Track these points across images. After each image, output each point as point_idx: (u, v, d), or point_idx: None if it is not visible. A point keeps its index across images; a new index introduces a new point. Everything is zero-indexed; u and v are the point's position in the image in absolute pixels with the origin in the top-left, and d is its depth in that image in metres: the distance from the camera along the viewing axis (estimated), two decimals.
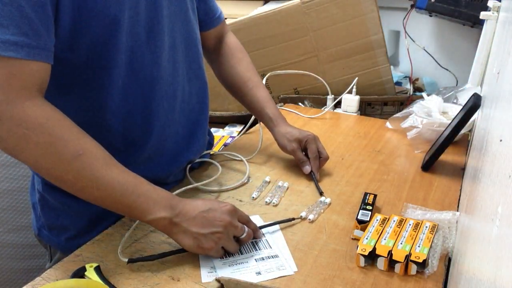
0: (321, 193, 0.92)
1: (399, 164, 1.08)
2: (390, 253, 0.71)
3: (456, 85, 1.62)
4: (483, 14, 1.28)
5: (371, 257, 0.72)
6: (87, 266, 0.68)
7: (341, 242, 0.78)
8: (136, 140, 0.84)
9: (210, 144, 1.09)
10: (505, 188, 0.41)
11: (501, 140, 0.51)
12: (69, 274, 0.68)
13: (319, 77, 1.38)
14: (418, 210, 0.85)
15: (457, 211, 0.86)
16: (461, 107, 1.10)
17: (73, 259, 0.73)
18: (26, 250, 1.39)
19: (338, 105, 1.40)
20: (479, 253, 0.48)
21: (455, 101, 1.28)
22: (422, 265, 0.70)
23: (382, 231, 0.76)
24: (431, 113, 1.18)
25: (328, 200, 0.90)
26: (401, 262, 0.70)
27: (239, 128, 1.49)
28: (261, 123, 1.09)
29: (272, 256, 0.75)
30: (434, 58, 1.74)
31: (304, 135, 0.99)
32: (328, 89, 1.38)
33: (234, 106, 1.52)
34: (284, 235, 0.80)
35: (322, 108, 1.41)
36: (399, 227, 0.78)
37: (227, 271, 0.71)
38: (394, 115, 1.25)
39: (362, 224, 0.79)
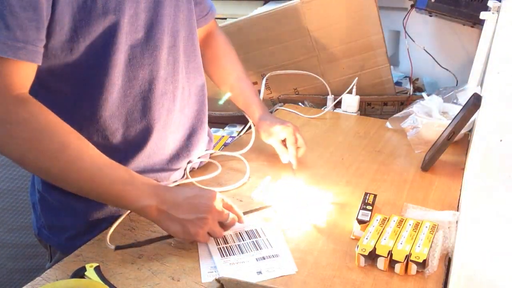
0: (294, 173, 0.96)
1: (399, 164, 1.08)
2: (390, 253, 0.71)
3: (456, 85, 1.62)
4: (483, 14, 1.28)
5: (371, 257, 0.72)
6: (87, 266, 0.68)
7: (341, 242, 0.78)
8: (135, 140, 0.84)
9: (210, 144, 1.09)
10: (505, 188, 0.41)
11: (501, 140, 0.51)
12: (69, 274, 0.68)
13: (319, 77, 1.38)
14: (418, 210, 0.85)
15: (457, 211, 0.86)
16: (461, 107, 1.10)
17: (73, 259, 0.73)
18: (26, 250, 1.39)
19: (338, 105, 1.40)
20: (479, 253, 0.48)
21: (455, 101, 1.28)
22: (422, 265, 0.70)
23: (382, 231, 0.76)
24: (431, 113, 1.18)
25: (328, 200, 0.90)
26: (401, 262, 0.70)
27: (239, 128, 1.48)
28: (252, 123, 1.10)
29: (272, 255, 0.75)
30: (434, 58, 1.74)
31: (283, 126, 1.02)
32: (328, 89, 1.38)
33: (234, 106, 1.51)
34: (284, 235, 0.80)
35: (322, 108, 1.41)
36: (399, 227, 0.78)
37: (228, 271, 0.71)
38: (394, 115, 1.25)
39: (362, 224, 0.79)
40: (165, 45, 0.82)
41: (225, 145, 1.36)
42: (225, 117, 1.53)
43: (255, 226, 0.82)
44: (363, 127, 1.29)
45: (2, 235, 1.34)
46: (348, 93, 1.37)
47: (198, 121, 0.96)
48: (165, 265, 0.72)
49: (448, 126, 1.05)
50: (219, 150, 1.18)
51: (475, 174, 0.74)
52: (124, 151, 0.82)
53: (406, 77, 1.75)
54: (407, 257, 0.70)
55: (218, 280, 0.62)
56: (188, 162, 0.97)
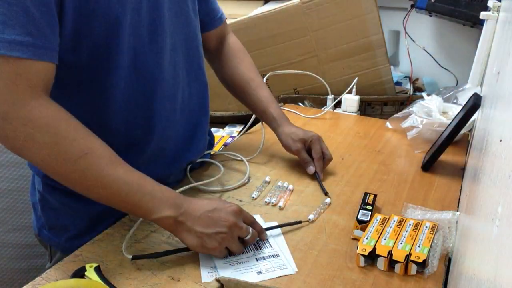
0: (326, 194, 0.92)
1: (399, 164, 1.08)
2: (390, 253, 0.71)
3: (456, 85, 1.62)
4: (483, 14, 1.28)
5: (371, 257, 0.72)
6: (87, 266, 0.68)
7: (341, 242, 0.78)
8: (137, 141, 0.84)
9: (211, 144, 1.09)
10: (505, 188, 0.41)
11: (501, 140, 0.51)
12: (69, 274, 0.68)
13: (319, 77, 1.38)
14: (418, 210, 0.85)
15: (457, 211, 0.86)
16: (461, 107, 1.10)
17: (73, 259, 0.73)
18: (26, 250, 1.39)
19: (338, 105, 1.40)
20: (479, 253, 0.48)
21: (455, 101, 1.28)
22: (422, 265, 0.70)
23: (382, 231, 0.77)
24: (431, 113, 1.18)
25: (328, 200, 0.90)
26: (401, 262, 0.70)
27: (239, 128, 1.49)
28: (263, 123, 1.09)
29: (273, 255, 0.75)
30: (434, 58, 1.74)
31: (308, 135, 0.99)
32: (328, 89, 1.38)
33: (234, 106, 1.52)
34: (284, 235, 0.80)
35: (322, 108, 1.41)
36: (399, 227, 0.78)
37: (228, 271, 0.71)
38: (394, 115, 1.25)
39: (362, 224, 0.79)
40: (168, 47, 0.82)
41: (225, 145, 1.36)
42: (225, 117, 1.54)
43: None
44: (363, 127, 1.29)
45: (2, 235, 1.34)
46: (348, 93, 1.38)
47: (199, 123, 0.96)
48: (165, 265, 0.72)
49: (448, 126, 1.05)
50: (219, 150, 1.18)
51: (475, 174, 0.74)
52: (126, 152, 0.82)
53: (406, 77, 1.75)
54: (407, 257, 0.70)
55: (218, 280, 0.62)
56: (189, 163, 0.97)
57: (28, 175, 1.32)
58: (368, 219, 0.80)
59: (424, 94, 1.35)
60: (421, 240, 0.74)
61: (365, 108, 1.44)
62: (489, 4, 1.29)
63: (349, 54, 1.41)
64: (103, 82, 0.75)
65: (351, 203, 0.90)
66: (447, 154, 1.06)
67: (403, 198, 0.92)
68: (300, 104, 1.47)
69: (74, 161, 0.66)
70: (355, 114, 1.38)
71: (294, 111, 1.38)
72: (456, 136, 1.00)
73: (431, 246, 0.73)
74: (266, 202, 0.90)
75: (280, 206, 0.88)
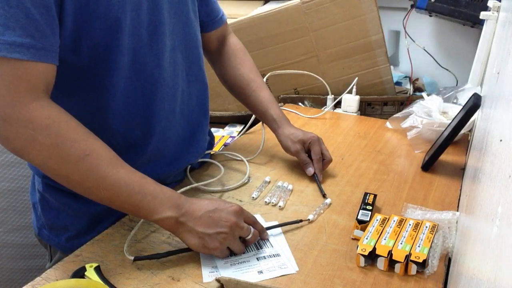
0: (324, 195, 0.92)
1: (399, 164, 1.08)
2: (390, 253, 0.71)
3: (456, 85, 1.62)
4: (483, 14, 1.28)
5: (371, 257, 0.72)
6: (87, 266, 0.68)
7: (341, 242, 0.78)
8: (136, 142, 0.84)
9: (211, 144, 1.09)
10: (505, 188, 0.41)
11: (501, 140, 0.51)
12: (69, 274, 0.68)
13: (319, 77, 1.38)
14: (418, 210, 0.85)
15: (457, 211, 0.86)
16: (461, 107, 1.10)
17: (73, 259, 0.73)
18: (26, 250, 1.39)
19: (338, 105, 1.40)
20: (479, 253, 0.48)
21: (455, 101, 1.28)
22: (422, 265, 0.70)
23: (382, 231, 0.77)
24: (431, 113, 1.18)
25: (328, 201, 0.90)
26: (401, 262, 0.70)
27: (239, 128, 1.49)
28: (263, 123, 1.09)
29: (273, 255, 0.75)
30: (434, 58, 1.74)
31: (308, 136, 0.99)
32: (328, 89, 1.38)
33: (234, 106, 1.52)
34: (284, 235, 0.80)
35: (322, 108, 1.41)
36: (399, 227, 0.78)
37: (229, 271, 0.71)
38: (394, 115, 1.25)
39: (362, 224, 0.79)
40: (167, 48, 0.82)
41: (225, 145, 1.36)
42: (225, 117, 1.54)
43: None
44: (363, 127, 1.29)
45: (2, 235, 1.34)
46: (348, 93, 1.38)
47: (199, 123, 0.96)
48: (165, 265, 0.72)
49: (448, 126, 1.05)
50: (219, 150, 1.18)
51: (475, 174, 0.74)
52: (125, 153, 0.82)
53: (406, 77, 1.75)
54: (407, 257, 0.70)
55: (218, 280, 0.62)
56: (189, 164, 0.97)
57: (28, 175, 1.32)
58: (368, 219, 0.80)
59: (424, 94, 1.35)
60: (421, 240, 0.74)
61: (365, 108, 1.44)
62: (489, 4, 1.29)
63: (349, 54, 1.41)
64: (102, 82, 0.75)
65: (351, 203, 0.90)
66: (447, 154, 1.06)
67: (403, 198, 0.92)
68: (300, 104, 1.47)
69: (75, 163, 0.66)
70: (355, 114, 1.38)
71: (294, 111, 1.38)
72: (456, 136, 1.00)
73: (431, 246, 0.73)
74: (266, 202, 0.90)
75: (280, 206, 0.88)
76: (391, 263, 0.71)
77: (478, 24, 1.46)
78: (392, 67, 1.55)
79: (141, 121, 0.82)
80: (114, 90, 0.77)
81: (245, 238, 0.74)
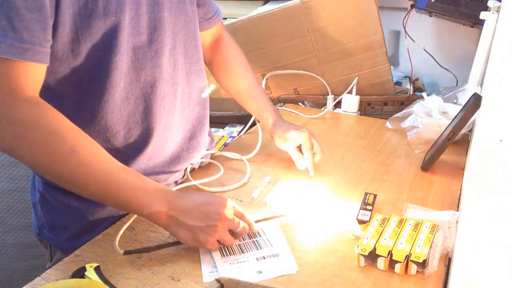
0: (315, 184, 0.95)
1: (399, 164, 1.08)
2: (390, 253, 0.71)
3: (456, 85, 1.62)
4: (483, 14, 1.28)
5: (371, 257, 0.72)
6: (87, 266, 0.68)
7: (341, 242, 0.78)
8: (136, 141, 0.84)
9: (211, 145, 1.09)
10: (505, 188, 0.41)
11: (501, 140, 0.51)
12: (69, 274, 0.68)
13: (319, 77, 1.38)
14: (418, 210, 0.85)
15: (457, 211, 0.86)
16: (461, 107, 1.10)
17: (73, 259, 0.73)
18: (26, 250, 1.39)
19: (338, 105, 1.40)
20: (479, 253, 0.48)
21: (455, 101, 1.28)
22: (422, 265, 0.70)
23: (382, 231, 0.76)
24: (431, 113, 1.18)
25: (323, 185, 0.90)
26: (401, 262, 0.70)
27: (239, 128, 1.48)
28: (258, 122, 1.09)
29: (273, 255, 0.75)
30: (434, 58, 1.74)
31: (299, 131, 1.00)
32: (328, 89, 1.38)
33: (234, 106, 1.51)
34: (284, 235, 0.80)
35: (322, 108, 1.41)
36: (399, 227, 0.78)
37: (229, 270, 0.71)
38: (394, 115, 1.25)
39: (362, 224, 0.79)
40: (167, 47, 0.82)
41: (225, 145, 1.36)
42: (225, 117, 1.54)
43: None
44: (363, 127, 1.29)
45: (2, 235, 1.34)
46: (348, 93, 1.38)
47: (199, 123, 0.96)
48: (165, 265, 0.72)
49: (448, 126, 1.05)
50: (219, 150, 1.18)
51: (475, 174, 0.74)
52: (125, 153, 0.82)
53: (406, 77, 1.75)
54: (407, 257, 0.70)
55: (218, 280, 0.62)
56: (189, 164, 0.97)
57: (28, 175, 1.32)
58: (368, 219, 0.80)
59: (424, 94, 1.34)
60: (421, 240, 0.74)
61: (365, 108, 1.44)
62: (489, 4, 1.29)
63: (349, 54, 1.41)
64: (102, 82, 0.75)
65: (351, 203, 0.90)
66: (447, 154, 1.06)
67: (403, 198, 0.92)
68: (300, 104, 1.47)
69: (64, 159, 0.66)
70: (355, 114, 1.38)
71: (294, 111, 1.38)
72: (456, 136, 0.99)
73: (431, 246, 0.73)
74: (266, 202, 0.90)
75: (273, 203, 0.88)
76: (391, 263, 0.71)
77: (478, 24, 1.46)
78: (392, 67, 1.55)
79: (140, 121, 0.82)
80: (114, 90, 0.77)
81: (234, 231, 0.75)
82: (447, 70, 1.73)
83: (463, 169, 1.04)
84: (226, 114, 1.53)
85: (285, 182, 0.97)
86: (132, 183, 0.70)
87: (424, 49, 1.72)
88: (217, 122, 1.53)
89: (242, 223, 0.76)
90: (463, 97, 1.25)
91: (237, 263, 0.73)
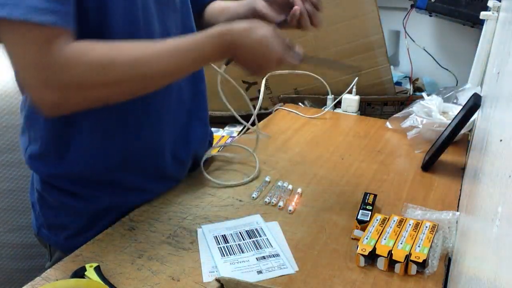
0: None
1: (399, 164, 1.08)
2: (390, 253, 0.71)
3: (456, 85, 1.62)
4: (483, 14, 1.28)
5: (371, 257, 0.72)
6: (87, 266, 0.68)
7: (341, 242, 0.78)
8: (132, 128, 0.83)
9: (210, 144, 1.09)
10: (505, 188, 0.41)
11: (501, 140, 0.51)
12: (69, 274, 0.68)
13: (319, 77, 1.38)
14: (418, 210, 0.85)
15: (457, 211, 0.86)
16: (461, 107, 1.10)
17: (73, 259, 0.73)
18: (26, 250, 1.39)
19: (338, 105, 1.40)
20: (479, 253, 0.48)
21: (455, 101, 1.28)
22: (422, 265, 0.70)
23: (382, 231, 0.77)
24: (431, 113, 1.18)
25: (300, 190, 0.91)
26: (401, 262, 0.70)
27: (239, 128, 1.49)
28: (257, 126, 1.08)
29: (273, 255, 0.75)
30: (434, 58, 1.74)
31: None
32: (328, 89, 1.38)
33: (234, 106, 1.51)
34: (284, 235, 0.80)
35: (322, 108, 1.41)
36: (399, 227, 0.78)
37: (229, 270, 0.71)
38: (394, 115, 1.25)
39: (362, 224, 0.79)
40: (158, 32, 0.82)
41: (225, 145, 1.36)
42: (225, 117, 1.53)
43: (255, 225, 0.82)
44: (363, 127, 1.29)
45: (2, 235, 1.34)
46: (348, 93, 1.38)
47: (195, 111, 0.96)
48: (165, 265, 0.72)
49: (448, 126, 1.05)
50: (219, 150, 1.18)
51: (475, 174, 0.74)
52: (121, 135, 0.82)
53: (406, 77, 1.75)
54: (407, 257, 0.70)
55: (218, 280, 0.62)
56: (190, 156, 0.97)
57: (28, 175, 1.32)
58: (368, 219, 0.80)
59: (424, 94, 1.35)
60: (421, 240, 0.74)
61: (365, 108, 1.44)
62: (489, 4, 1.29)
63: (349, 54, 1.41)
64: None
65: (351, 203, 0.90)
66: (447, 154, 1.06)
67: (403, 198, 0.92)
68: (300, 104, 1.47)
69: (130, 70, 0.67)
70: (355, 114, 1.38)
71: (294, 111, 1.38)
72: (456, 136, 1.00)
73: (431, 246, 0.73)
74: (266, 202, 0.90)
75: (280, 206, 0.88)
76: (391, 263, 0.71)
77: (478, 24, 1.46)
78: (392, 67, 1.55)
79: (136, 108, 0.82)
80: None
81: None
82: (447, 70, 1.74)
83: (463, 169, 1.04)
84: (226, 114, 1.53)
85: (288, 184, 0.97)
86: (186, 42, 0.72)
87: (424, 49, 1.73)
88: (217, 122, 1.53)
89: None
90: (463, 97, 1.25)
91: (237, 263, 0.73)
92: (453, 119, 1.06)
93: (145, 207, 0.87)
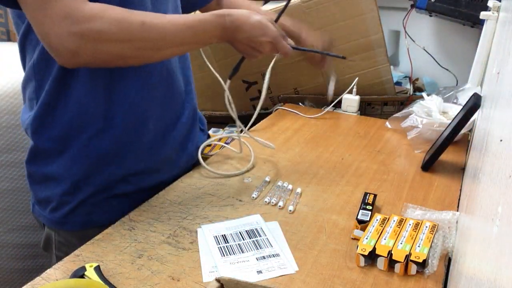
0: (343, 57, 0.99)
1: (399, 164, 1.08)
2: (390, 253, 0.71)
3: (456, 85, 1.62)
4: (483, 14, 1.28)
5: (371, 257, 0.72)
6: (87, 266, 0.68)
7: (341, 242, 0.78)
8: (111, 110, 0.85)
9: (203, 132, 1.10)
10: (505, 188, 0.41)
11: (501, 140, 0.51)
12: (69, 274, 0.68)
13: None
14: (418, 210, 0.85)
15: (457, 211, 0.86)
16: (461, 107, 1.10)
17: (73, 259, 0.73)
18: (26, 250, 1.39)
19: (338, 105, 1.40)
20: (479, 253, 0.48)
21: (455, 101, 1.28)
22: (422, 265, 0.70)
23: (382, 231, 0.77)
24: (431, 113, 1.18)
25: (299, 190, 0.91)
26: (401, 262, 0.70)
27: (239, 128, 1.48)
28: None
29: (273, 255, 0.75)
30: (434, 58, 1.74)
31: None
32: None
33: (235, 106, 1.51)
34: (284, 235, 0.80)
35: (322, 108, 1.41)
36: (399, 227, 0.78)
37: (229, 270, 0.71)
38: (394, 115, 1.25)
39: (362, 224, 0.79)
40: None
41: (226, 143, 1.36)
42: (225, 117, 1.53)
43: (255, 225, 0.82)
44: (363, 127, 1.29)
45: (2, 235, 1.34)
46: (348, 93, 1.38)
47: (186, 93, 0.98)
48: (165, 265, 0.72)
49: (448, 126, 1.05)
50: (219, 150, 1.18)
51: (475, 174, 0.74)
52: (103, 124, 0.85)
53: (406, 77, 1.75)
54: (407, 257, 0.70)
55: (218, 280, 0.62)
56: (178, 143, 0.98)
57: None
58: (368, 219, 0.80)
59: (424, 94, 1.35)
60: (421, 240, 0.74)
61: (365, 108, 1.44)
62: (489, 4, 1.29)
63: (348, 54, 1.40)
64: None
65: (351, 203, 0.90)
66: (447, 154, 1.06)
67: (403, 198, 0.93)
68: (300, 104, 1.47)
69: (141, 30, 0.73)
70: (355, 114, 1.38)
71: (294, 111, 1.38)
72: (456, 136, 1.00)
73: (431, 246, 0.73)
74: (266, 202, 0.90)
75: (280, 206, 0.88)
76: (391, 263, 0.71)
77: (478, 24, 1.46)
78: (392, 67, 1.55)
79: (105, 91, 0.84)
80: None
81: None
82: (447, 70, 1.73)
83: (463, 169, 1.04)
84: (226, 114, 1.53)
85: (288, 184, 0.97)
86: (190, 17, 0.79)
87: (424, 49, 1.73)
88: (217, 122, 1.53)
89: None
90: (463, 97, 1.25)
91: (237, 263, 0.73)
92: (453, 119, 1.06)
93: (145, 207, 0.87)
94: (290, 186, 0.95)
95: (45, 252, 0.96)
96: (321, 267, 0.72)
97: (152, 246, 0.76)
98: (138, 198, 0.89)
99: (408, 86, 1.64)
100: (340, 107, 1.40)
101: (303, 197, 0.92)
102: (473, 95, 1.01)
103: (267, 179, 0.98)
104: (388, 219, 0.80)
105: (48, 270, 0.71)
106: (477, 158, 0.79)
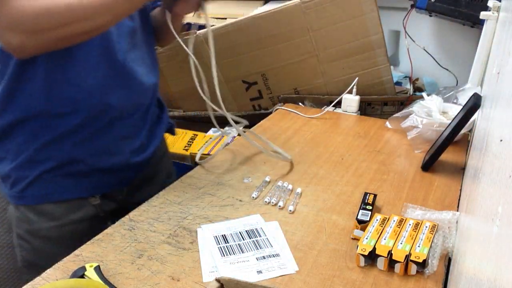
0: None
1: (399, 164, 1.08)
2: (390, 253, 0.71)
3: (456, 85, 1.62)
4: (483, 14, 1.28)
5: (371, 257, 0.72)
6: (87, 266, 0.68)
7: (341, 242, 0.78)
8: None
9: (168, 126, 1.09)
10: (505, 188, 0.41)
11: (501, 140, 0.51)
12: (69, 274, 0.68)
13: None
14: (418, 210, 0.85)
15: (457, 211, 0.86)
16: (461, 107, 1.10)
17: (73, 259, 0.73)
18: None
19: (338, 105, 1.40)
20: (479, 253, 0.48)
21: (455, 101, 1.28)
22: (422, 265, 0.70)
23: (382, 231, 0.77)
24: (431, 113, 1.18)
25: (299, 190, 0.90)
26: (401, 262, 0.70)
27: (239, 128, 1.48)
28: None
29: (273, 255, 0.75)
30: (434, 58, 1.74)
31: None
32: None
33: (234, 106, 1.52)
34: (284, 235, 0.80)
35: (322, 108, 1.41)
36: (399, 227, 0.78)
37: (228, 270, 0.71)
38: (394, 115, 1.25)
39: (362, 224, 0.79)
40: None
41: (227, 144, 1.36)
42: (225, 117, 1.53)
43: (255, 225, 0.82)
44: (363, 127, 1.29)
45: (2, 235, 1.34)
46: (348, 93, 1.38)
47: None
48: (165, 265, 0.72)
49: (448, 126, 1.05)
50: (219, 150, 1.18)
51: (475, 174, 0.74)
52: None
53: (406, 77, 1.75)
54: (407, 257, 0.70)
55: (218, 280, 0.62)
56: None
57: None
58: (368, 219, 0.80)
59: (424, 94, 1.34)
60: (421, 240, 0.74)
61: (365, 108, 1.44)
62: (489, 4, 1.29)
63: (349, 54, 1.41)
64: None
65: (351, 203, 0.90)
66: (447, 154, 1.06)
67: (403, 198, 0.93)
68: (300, 104, 1.47)
69: (67, 14, 0.72)
70: (355, 114, 1.38)
71: (294, 111, 1.38)
72: (456, 136, 1.00)
73: (431, 246, 0.73)
74: (266, 202, 0.90)
75: (280, 206, 0.88)
76: (391, 263, 0.71)
77: (478, 24, 1.46)
78: (392, 67, 1.55)
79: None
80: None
81: None
82: (447, 70, 1.73)
83: (463, 169, 1.04)
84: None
85: (288, 184, 0.97)
86: None
87: (424, 49, 1.73)
88: (217, 122, 1.53)
89: None
90: (463, 97, 1.25)
91: (237, 263, 0.73)
92: (453, 119, 1.06)
93: (145, 207, 0.87)
94: (290, 186, 0.95)
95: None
96: (321, 267, 0.72)
97: (152, 246, 0.76)
98: (98, 179, 0.90)
99: (408, 86, 1.64)
100: (340, 107, 1.40)
101: (303, 197, 0.92)
102: (473, 95, 1.01)
103: (267, 179, 0.98)
104: (388, 219, 0.80)
105: (48, 270, 0.71)
106: (477, 158, 0.79)
